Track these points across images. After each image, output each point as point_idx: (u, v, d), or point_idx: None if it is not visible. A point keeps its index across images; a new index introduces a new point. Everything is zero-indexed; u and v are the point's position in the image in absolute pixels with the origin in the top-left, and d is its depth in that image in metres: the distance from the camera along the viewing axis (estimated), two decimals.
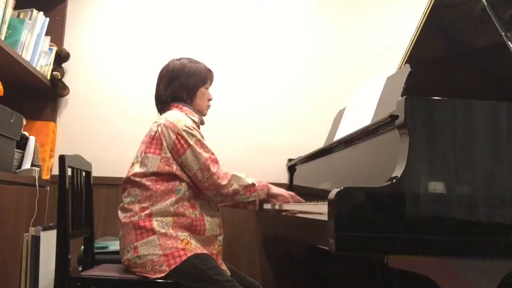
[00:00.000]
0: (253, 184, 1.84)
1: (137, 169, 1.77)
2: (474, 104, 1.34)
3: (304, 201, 1.94)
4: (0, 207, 1.95)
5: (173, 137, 1.75)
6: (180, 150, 1.75)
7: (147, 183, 1.74)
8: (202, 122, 1.96)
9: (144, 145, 1.81)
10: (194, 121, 1.86)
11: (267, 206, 2.12)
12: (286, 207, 1.93)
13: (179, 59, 1.94)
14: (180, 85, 1.88)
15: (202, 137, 1.82)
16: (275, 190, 1.93)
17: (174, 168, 1.75)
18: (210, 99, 1.97)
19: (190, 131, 1.77)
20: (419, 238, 1.23)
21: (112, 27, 2.82)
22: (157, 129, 1.79)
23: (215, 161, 1.79)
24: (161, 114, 1.91)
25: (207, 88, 1.95)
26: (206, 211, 1.79)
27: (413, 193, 1.24)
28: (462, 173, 1.30)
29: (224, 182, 1.76)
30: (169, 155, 1.75)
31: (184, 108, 1.88)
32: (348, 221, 1.21)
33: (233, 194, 1.79)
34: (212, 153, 1.80)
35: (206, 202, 1.81)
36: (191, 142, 1.75)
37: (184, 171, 1.76)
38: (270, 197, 1.93)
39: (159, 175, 1.74)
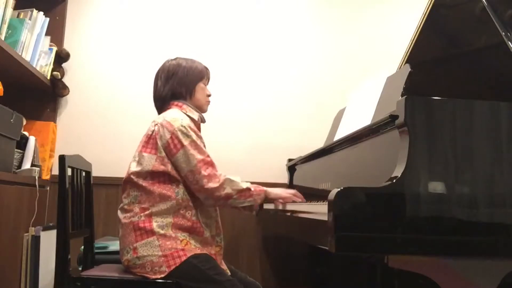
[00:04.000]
0: (248, 189, 1.78)
1: (134, 168, 1.77)
2: (474, 104, 1.34)
3: (305, 200, 1.94)
4: (0, 207, 1.95)
5: (167, 136, 1.73)
6: (172, 150, 1.73)
7: (146, 185, 1.73)
8: (202, 120, 1.95)
9: (141, 144, 1.80)
10: (194, 120, 1.85)
11: (267, 206, 2.12)
12: (286, 207, 1.92)
13: (174, 59, 1.94)
14: (179, 80, 1.88)
15: (200, 137, 1.80)
16: (274, 194, 1.85)
17: (169, 167, 1.73)
18: (209, 95, 1.96)
19: (185, 131, 1.74)
20: (419, 238, 1.23)
21: (112, 27, 2.82)
22: (154, 128, 1.78)
23: (209, 164, 1.74)
24: (160, 113, 1.90)
25: (205, 85, 1.95)
26: (202, 212, 1.78)
27: (413, 193, 1.24)
28: (462, 173, 1.29)
29: (215, 185, 1.71)
30: (164, 154, 1.74)
31: (184, 106, 1.87)
32: (348, 221, 1.20)
33: (225, 198, 1.73)
34: (208, 156, 1.76)
35: (201, 204, 1.78)
36: (185, 143, 1.73)
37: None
38: (270, 201, 1.87)
39: (155, 175, 1.73)
